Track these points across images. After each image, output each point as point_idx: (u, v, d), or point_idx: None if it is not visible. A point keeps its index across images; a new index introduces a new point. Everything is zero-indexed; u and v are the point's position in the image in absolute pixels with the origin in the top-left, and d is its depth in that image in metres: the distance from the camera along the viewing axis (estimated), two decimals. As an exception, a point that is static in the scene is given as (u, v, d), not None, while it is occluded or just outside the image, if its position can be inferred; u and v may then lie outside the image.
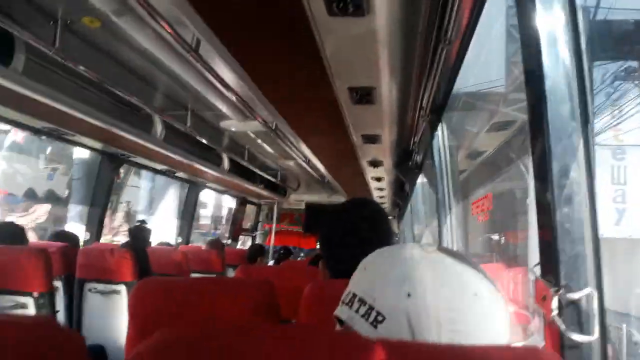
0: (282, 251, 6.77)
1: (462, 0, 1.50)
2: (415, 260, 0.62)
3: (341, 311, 0.64)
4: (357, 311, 0.61)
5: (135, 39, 2.60)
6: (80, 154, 5.53)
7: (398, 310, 0.58)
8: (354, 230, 1.30)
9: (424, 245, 0.67)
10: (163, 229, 8.11)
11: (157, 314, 1.46)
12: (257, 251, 5.52)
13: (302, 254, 10.23)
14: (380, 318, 0.59)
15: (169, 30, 2.28)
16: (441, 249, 0.65)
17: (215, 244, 5.38)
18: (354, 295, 0.63)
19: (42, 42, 2.41)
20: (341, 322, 0.64)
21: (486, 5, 1.58)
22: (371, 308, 0.60)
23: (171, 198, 10.29)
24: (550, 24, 1.03)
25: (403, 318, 0.58)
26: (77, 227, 4.72)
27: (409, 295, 0.59)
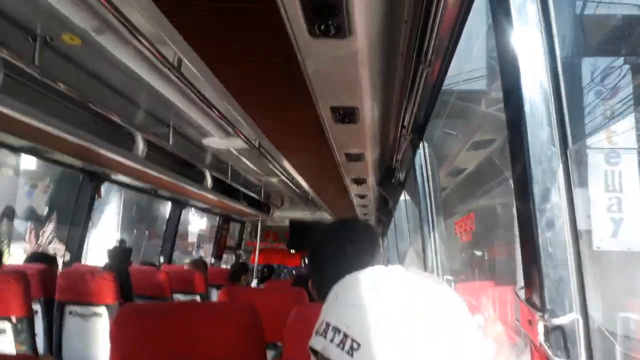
0: (265, 269, 6.72)
1: (442, 23, 1.51)
2: (386, 284, 0.63)
3: (316, 342, 0.63)
4: (332, 340, 0.60)
5: (116, 56, 2.58)
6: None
7: (372, 335, 0.58)
8: (342, 251, 1.29)
9: (393, 269, 0.66)
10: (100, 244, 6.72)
11: (140, 340, 1.43)
12: (240, 269, 5.46)
13: (285, 271, 10.15)
14: (355, 345, 0.58)
15: (151, 48, 2.26)
16: (409, 269, 0.65)
17: (198, 264, 5.30)
18: (328, 325, 0.62)
19: (20, 59, 2.38)
20: (315, 352, 0.63)
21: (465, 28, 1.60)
22: (345, 336, 0.59)
23: (111, 206, 9.00)
24: (528, 49, 1.04)
25: (378, 344, 0.57)
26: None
27: (383, 316, 0.59)
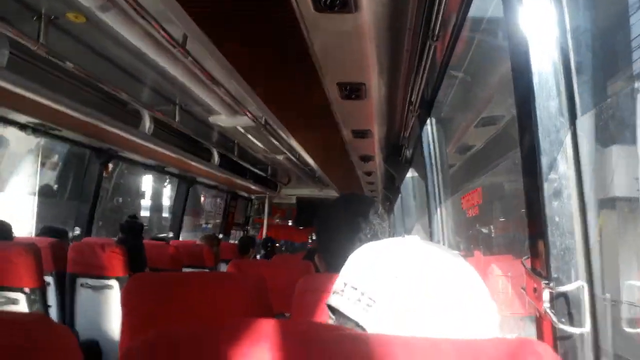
0: (268, 243, 6.81)
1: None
2: (400, 248, 0.67)
3: (333, 300, 0.67)
4: (349, 298, 0.64)
5: (121, 34, 2.58)
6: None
7: (386, 292, 0.62)
8: (349, 225, 1.32)
9: (410, 239, 0.70)
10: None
11: (150, 309, 1.46)
12: (248, 242, 5.54)
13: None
14: (370, 302, 0.62)
15: (156, 26, 2.26)
16: (426, 242, 0.69)
17: (211, 239, 5.36)
18: (345, 284, 0.66)
19: (25, 37, 2.38)
20: (333, 311, 0.67)
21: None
22: (362, 294, 0.63)
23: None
24: (538, 21, 1.03)
25: (391, 299, 0.61)
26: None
27: (396, 277, 0.62)
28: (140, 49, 2.73)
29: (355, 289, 0.64)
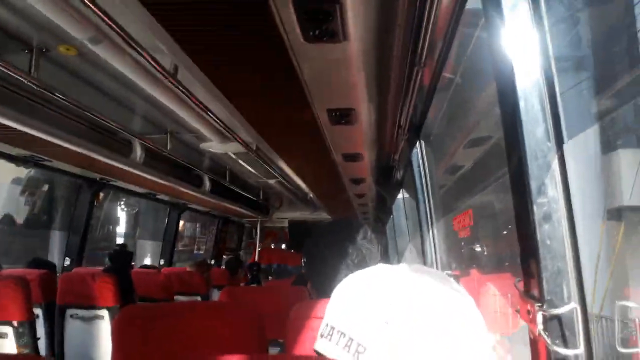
0: (254, 268, 6.82)
1: (435, 25, 1.54)
2: (389, 285, 0.63)
3: (320, 345, 0.64)
4: (337, 344, 0.61)
5: (112, 65, 2.60)
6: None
7: (377, 338, 0.58)
8: (336, 251, 1.32)
9: (395, 267, 0.66)
10: None
11: (141, 341, 1.44)
12: (235, 263, 5.56)
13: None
14: (361, 349, 0.58)
15: (147, 57, 2.28)
16: (414, 268, 0.65)
17: (201, 265, 5.34)
18: (332, 328, 0.62)
19: (16, 70, 2.39)
20: (321, 355, 0.64)
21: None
22: (351, 339, 0.60)
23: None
24: (522, 47, 1.07)
25: (384, 347, 0.58)
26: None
27: (386, 322, 0.59)
28: (131, 79, 2.75)
29: (343, 334, 0.61)
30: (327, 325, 0.64)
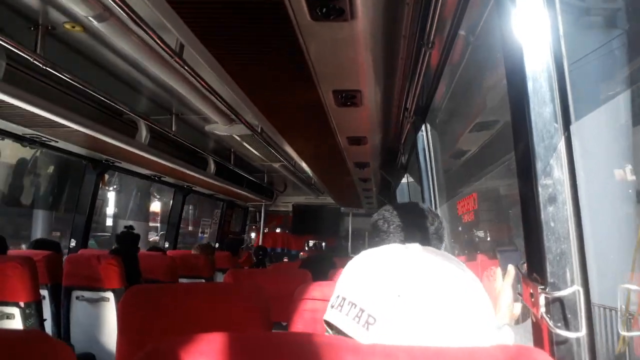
0: (259, 252, 6.85)
1: (444, 4, 1.52)
2: (403, 261, 0.63)
3: (331, 315, 0.64)
4: (347, 314, 0.62)
5: (118, 44, 2.59)
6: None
7: (389, 311, 0.59)
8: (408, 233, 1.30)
9: (408, 245, 0.67)
10: None
11: (147, 322, 1.45)
12: (236, 243, 5.59)
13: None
14: (371, 320, 0.59)
15: (153, 35, 2.27)
16: (426, 248, 0.66)
17: (206, 249, 5.37)
18: (344, 299, 0.63)
19: (22, 48, 2.39)
20: (330, 326, 0.65)
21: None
22: (362, 310, 0.60)
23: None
24: (532, 27, 1.05)
25: (394, 319, 0.59)
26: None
27: (398, 295, 0.60)
28: (137, 58, 2.74)
29: (355, 305, 0.61)
30: (338, 296, 0.64)
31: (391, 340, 0.58)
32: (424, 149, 2.86)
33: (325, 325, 0.67)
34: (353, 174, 5.34)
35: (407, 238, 1.29)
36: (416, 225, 1.31)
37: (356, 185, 6.25)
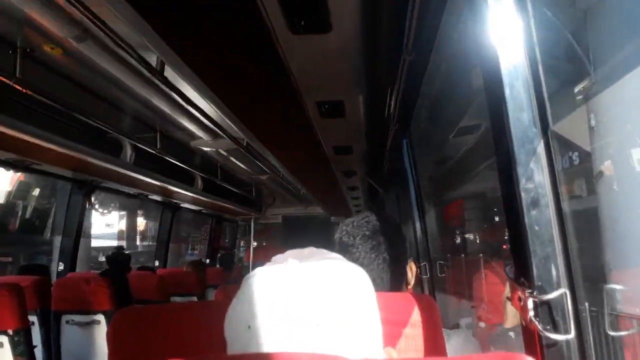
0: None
1: (421, 13, 1.53)
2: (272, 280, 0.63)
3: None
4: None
5: (98, 64, 2.57)
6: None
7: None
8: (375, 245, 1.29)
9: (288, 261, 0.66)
10: None
11: (138, 344, 1.43)
12: (229, 259, 5.54)
13: None
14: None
15: (133, 54, 2.27)
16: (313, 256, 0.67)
17: (196, 265, 5.34)
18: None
19: (1, 73, 2.37)
20: None
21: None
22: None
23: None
24: (506, 33, 1.06)
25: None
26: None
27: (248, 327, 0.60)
28: (118, 77, 2.73)
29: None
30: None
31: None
32: (408, 156, 2.88)
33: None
34: (341, 183, 5.35)
35: (374, 247, 1.28)
36: (381, 233, 1.30)
37: (344, 194, 6.26)
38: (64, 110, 2.91)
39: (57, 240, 4.39)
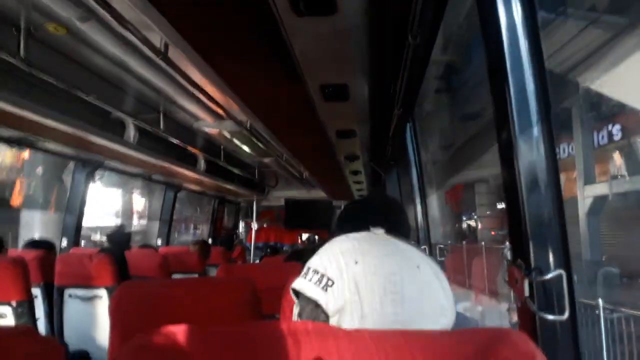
0: (268, 249, 6.89)
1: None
2: (364, 238, 0.72)
3: (297, 282, 0.72)
4: (310, 280, 0.69)
5: (102, 44, 2.57)
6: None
7: (346, 274, 0.67)
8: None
9: (373, 230, 0.75)
10: None
11: (139, 317, 1.46)
12: (229, 239, 5.57)
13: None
14: (330, 282, 0.67)
15: (137, 35, 2.26)
16: (389, 233, 0.75)
17: (202, 245, 5.38)
18: (309, 268, 0.71)
19: (5, 51, 2.37)
20: (297, 294, 0.72)
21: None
22: (323, 275, 0.68)
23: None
24: (511, 24, 1.07)
25: (350, 281, 0.66)
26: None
27: (356, 262, 0.67)
28: (122, 58, 2.73)
29: (318, 272, 0.69)
30: (307, 268, 0.72)
31: (346, 299, 0.65)
32: (412, 141, 2.89)
33: (292, 295, 0.74)
34: (343, 167, 5.36)
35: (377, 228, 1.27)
36: (384, 213, 1.30)
37: (347, 178, 6.27)
38: (68, 90, 2.92)
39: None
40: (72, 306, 3.35)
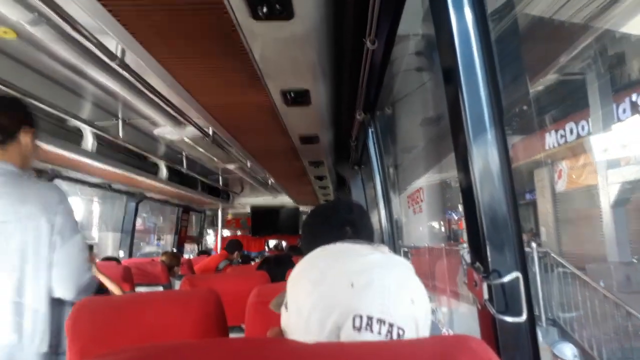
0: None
1: (382, 2, 1.54)
2: (387, 263, 0.68)
3: (359, 338, 0.63)
4: (379, 333, 0.63)
5: (55, 49, 2.49)
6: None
7: (409, 317, 0.65)
8: (341, 232, 1.27)
9: (358, 242, 0.74)
10: None
11: (98, 335, 1.40)
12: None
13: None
14: (401, 332, 0.64)
15: (91, 39, 2.20)
16: (354, 235, 0.78)
17: (172, 256, 5.25)
18: (369, 319, 0.63)
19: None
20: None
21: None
22: (391, 325, 0.63)
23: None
24: (464, 29, 1.08)
25: (412, 323, 0.64)
26: None
27: (412, 301, 0.66)
28: (76, 63, 2.65)
29: (384, 321, 0.63)
30: (361, 317, 0.63)
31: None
32: (374, 145, 2.91)
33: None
34: (308, 173, 5.35)
35: (341, 234, 1.27)
36: (348, 219, 1.29)
37: (312, 184, 6.27)
38: (19, 97, 2.81)
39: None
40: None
